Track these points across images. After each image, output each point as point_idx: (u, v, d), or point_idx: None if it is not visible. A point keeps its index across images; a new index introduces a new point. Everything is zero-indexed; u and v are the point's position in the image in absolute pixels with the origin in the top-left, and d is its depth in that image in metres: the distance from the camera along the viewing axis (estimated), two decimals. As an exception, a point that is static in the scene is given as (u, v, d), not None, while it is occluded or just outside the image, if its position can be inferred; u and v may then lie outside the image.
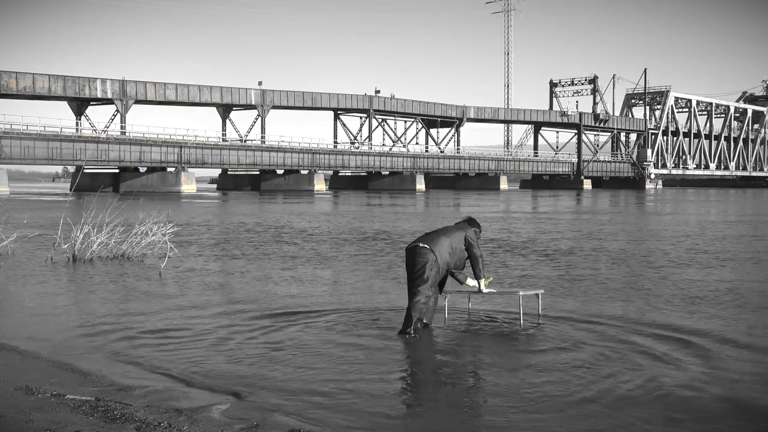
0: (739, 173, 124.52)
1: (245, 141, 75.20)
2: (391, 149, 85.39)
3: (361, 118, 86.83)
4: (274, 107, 76.37)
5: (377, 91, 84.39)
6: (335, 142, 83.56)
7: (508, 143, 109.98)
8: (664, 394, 4.62)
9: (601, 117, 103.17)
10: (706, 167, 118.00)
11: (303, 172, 74.98)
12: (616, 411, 4.30)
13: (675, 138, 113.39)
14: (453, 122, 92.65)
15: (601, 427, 4.06)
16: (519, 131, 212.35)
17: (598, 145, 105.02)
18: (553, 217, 26.54)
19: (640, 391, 4.67)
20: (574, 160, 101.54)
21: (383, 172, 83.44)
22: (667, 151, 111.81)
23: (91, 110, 76.20)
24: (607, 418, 4.18)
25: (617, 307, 7.60)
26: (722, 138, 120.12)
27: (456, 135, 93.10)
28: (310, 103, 78.59)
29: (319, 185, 74.01)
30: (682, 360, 5.42)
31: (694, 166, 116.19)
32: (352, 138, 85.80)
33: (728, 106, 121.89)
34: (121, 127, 64.58)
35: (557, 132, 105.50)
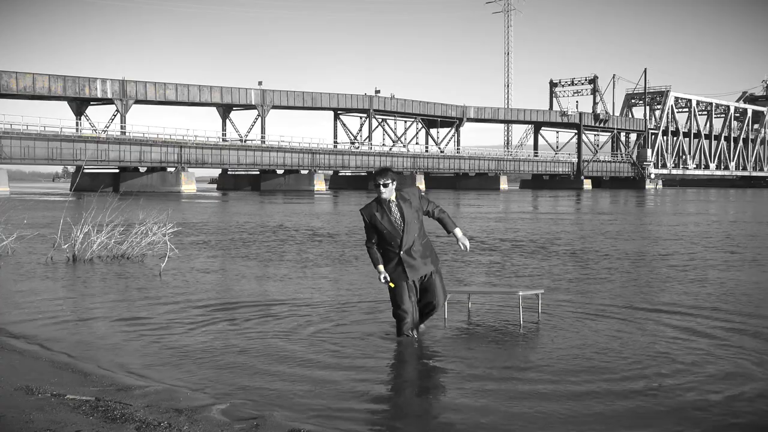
0: (739, 173, 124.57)
1: (245, 141, 75.24)
2: (391, 149, 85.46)
3: (361, 118, 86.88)
4: (274, 107, 76.41)
5: (377, 91, 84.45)
6: (335, 142, 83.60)
7: (508, 143, 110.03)
8: (673, 400, 4.62)
9: (601, 117, 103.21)
10: (706, 167, 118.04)
11: (303, 172, 75.04)
12: (613, 414, 4.30)
13: (675, 138, 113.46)
14: (453, 122, 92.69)
15: (597, 429, 4.06)
16: (519, 131, 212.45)
17: (598, 145, 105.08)
18: (558, 218, 26.54)
19: (645, 398, 4.66)
20: (574, 160, 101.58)
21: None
22: (667, 151, 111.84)
23: (91, 110, 76.37)
24: (605, 422, 4.18)
25: (620, 306, 7.59)
26: (722, 138, 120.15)
27: (456, 135, 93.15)
28: (310, 103, 78.63)
29: (319, 185, 74.07)
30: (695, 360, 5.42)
31: (694, 166, 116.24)
32: (352, 138, 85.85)
33: (728, 106, 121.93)
34: (121, 127, 64.61)
35: (557, 132, 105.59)
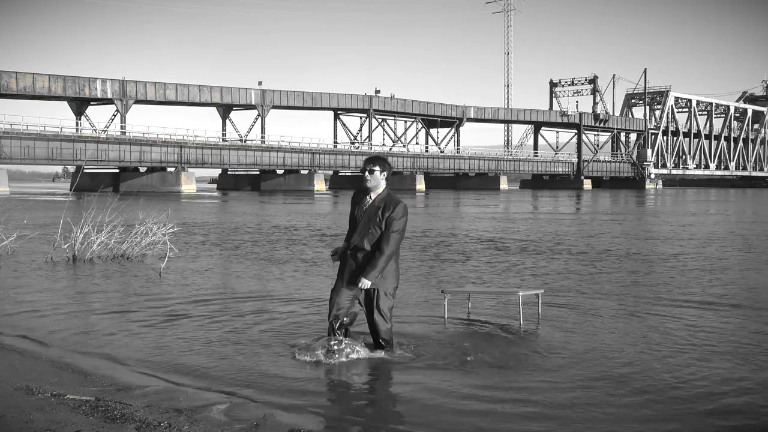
0: (739, 173, 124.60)
1: (245, 141, 75.22)
2: (391, 149, 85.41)
3: (361, 118, 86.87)
4: (274, 107, 76.38)
5: (377, 91, 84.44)
6: (335, 142, 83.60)
7: (508, 143, 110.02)
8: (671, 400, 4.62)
9: (601, 117, 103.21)
10: (706, 167, 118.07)
11: (303, 172, 75.02)
12: (613, 415, 4.30)
13: (675, 138, 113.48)
14: (453, 122, 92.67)
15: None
16: (519, 131, 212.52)
17: (598, 145, 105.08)
18: (561, 218, 26.53)
19: (647, 398, 4.66)
20: (574, 160, 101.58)
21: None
22: (667, 151, 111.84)
23: (91, 110, 76.38)
24: (604, 422, 4.18)
25: (618, 305, 7.59)
26: (722, 138, 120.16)
27: (456, 135, 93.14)
28: (310, 103, 78.60)
29: (319, 185, 74.06)
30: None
31: (694, 166, 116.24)
32: (352, 138, 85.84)
33: (728, 106, 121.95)
34: (121, 127, 64.59)
35: (557, 132, 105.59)
